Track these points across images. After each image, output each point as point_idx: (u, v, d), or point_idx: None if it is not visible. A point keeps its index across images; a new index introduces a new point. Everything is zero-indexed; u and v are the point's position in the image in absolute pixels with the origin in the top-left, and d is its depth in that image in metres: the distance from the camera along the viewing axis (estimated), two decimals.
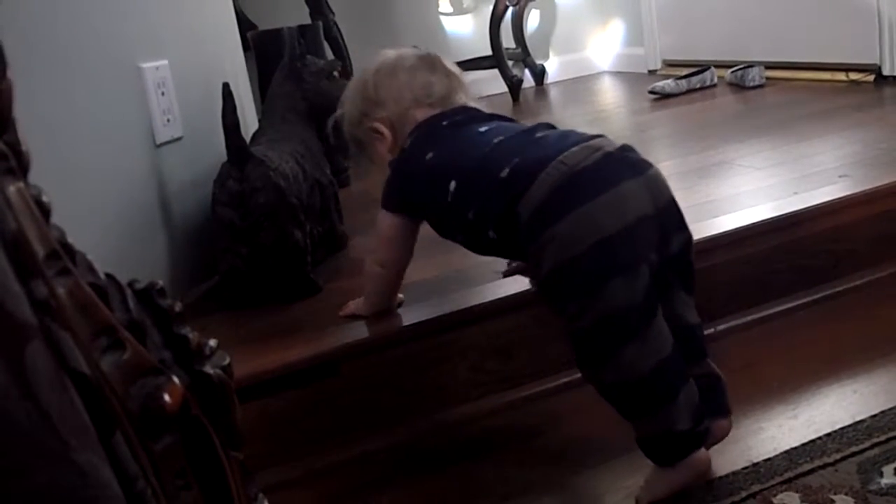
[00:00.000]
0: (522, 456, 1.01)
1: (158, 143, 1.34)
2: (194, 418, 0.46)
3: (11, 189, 0.38)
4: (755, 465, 0.89)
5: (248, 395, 1.01)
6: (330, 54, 2.74)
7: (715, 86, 2.71)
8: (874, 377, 1.04)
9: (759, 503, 0.83)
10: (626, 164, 0.88)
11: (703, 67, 2.74)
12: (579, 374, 0.93)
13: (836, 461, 0.87)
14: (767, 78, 2.59)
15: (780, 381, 1.06)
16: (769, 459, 0.90)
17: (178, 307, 0.48)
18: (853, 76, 2.37)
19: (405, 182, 1.04)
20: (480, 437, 1.08)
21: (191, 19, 1.57)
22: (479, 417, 1.11)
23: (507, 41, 3.40)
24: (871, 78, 2.31)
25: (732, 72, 2.65)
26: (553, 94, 3.35)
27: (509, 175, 0.90)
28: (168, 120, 1.37)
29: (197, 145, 1.46)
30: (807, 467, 0.87)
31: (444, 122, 1.05)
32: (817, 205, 1.29)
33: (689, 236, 0.90)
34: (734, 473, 0.88)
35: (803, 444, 0.91)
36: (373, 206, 1.85)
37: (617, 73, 3.58)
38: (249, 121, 1.77)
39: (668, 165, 1.64)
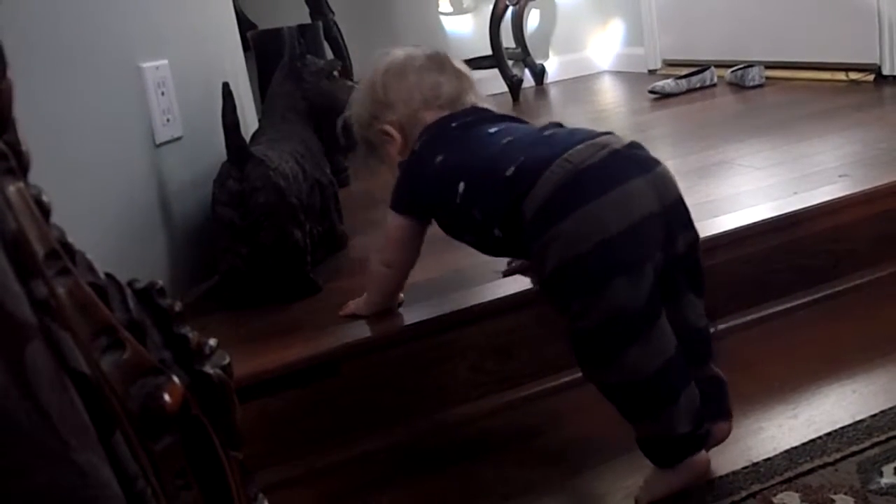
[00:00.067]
0: (522, 456, 1.01)
1: (158, 142, 1.34)
2: (194, 418, 0.46)
3: (11, 189, 0.38)
4: (755, 464, 0.89)
5: (248, 394, 1.01)
6: (330, 54, 2.74)
7: (715, 85, 2.71)
8: (874, 377, 1.04)
9: (759, 503, 0.83)
10: (632, 162, 0.87)
11: (703, 67, 2.74)
12: (579, 374, 0.93)
13: (836, 461, 0.87)
14: (767, 78, 2.59)
15: (780, 380, 1.06)
16: (769, 459, 0.90)
17: (178, 307, 0.48)
18: (853, 76, 2.37)
19: (415, 184, 1.04)
20: (480, 437, 1.08)
21: (191, 19, 1.57)
22: (479, 417, 1.11)
23: (507, 41, 3.40)
24: (871, 78, 2.31)
25: (732, 71, 2.65)
26: (553, 93, 3.35)
27: (514, 173, 0.90)
28: (168, 120, 1.37)
29: (197, 145, 1.46)
30: (807, 467, 0.87)
31: (454, 124, 1.04)
32: (817, 204, 1.29)
33: (696, 235, 0.89)
34: (734, 473, 0.88)
35: (803, 444, 0.91)
36: (373, 205, 1.87)
37: (617, 73, 3.58)
38: (249, 120, 1.77)
39: (668, 165, 1.62)
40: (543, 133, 0.97)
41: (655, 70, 3.32)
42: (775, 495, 0.84)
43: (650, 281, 0.83)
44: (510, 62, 3.37)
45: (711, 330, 0.94)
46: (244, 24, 2.41)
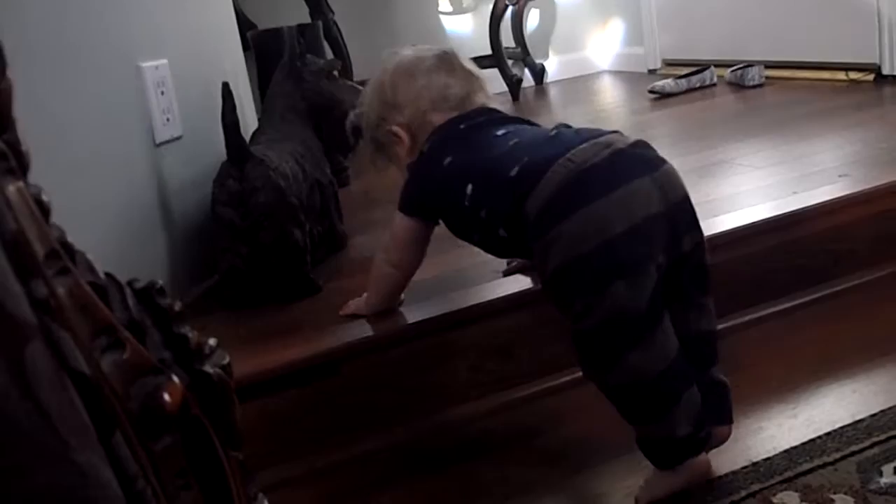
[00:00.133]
0: (522, 456, 1.01)
1: (158, 142, 1.34)
2: (194, 418, 0.46)
3: (11, 189, 0.38)
4: (755, 464, 0.89)
5: (248, 394, 1.00)
6: (330, 54, 2.74)
7: (715, 85, 2.71)
8: (874, 377, 1.04)
9: (759, 502, 0.83)
10: (637, 161, 0.86)
11: (702, 67, 2.74)
12: (579, 374, 0.93)
13: (836, 460, 0.87)
14: (767, 77, 2.59)
15: (780, 380, 1.06)
16: (769, 459, 0.90)
17: (177, 307, 0.48)
18: (853, 76, 2.37)
19: (423, 186, 1.04)
20: (480, 436, 1.08)
21: (191, 19, 1.57)
22: (479, 417, 1.11)
23: (507, 40, 3.40)
24: (871, 77, 2.31)
25: (732, 71, 2.65)
26: (553, 93, 3.35)
27: (518, 173, 0.90)
28: (168, 119, 1.37)
29: (197, 145, 1.46)
30: (806, 467, 0.87)
31: (462, 126, 1.04)
32: (817, 204, 1.29)
33: (701, 236, 0.89)
34: (734, 473, 0.88)
35: (803, 444, 0.91)
36: (373, 205, 1.87)
37: (617, 73, 3.57)
38: (249, 120, 1.77)
39: None
40: (549, 134, 0.97)
41: (655, 70, 3.32)
42: (775, 495, 0.84)
43: (652, 282, 0.83)
44: (510, 62, 3.37)
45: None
46: (244, 23, 2.41)
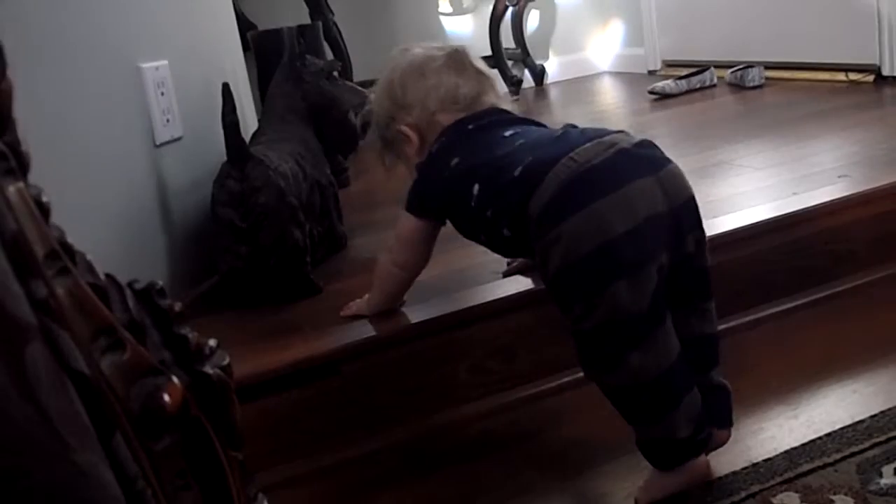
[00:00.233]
0: (523, 456, 1.01)
1: (158, 143, 1.34)
2: (194, 418, 0.46)
3: (11, 189, 0.38)
4: (755, 465, 0.89)
5: (248, 394, 1.01)
6: (330, 55, 2.74)
7: (715, 86, 2.71)
8: (874, 377, 1.04)
9: (759, 503, 0.83)
10: (641, 161, 0.86)
11: (702, 68, 2.74)
12: (580, 375, 0.93)
13: (836, 461, 0.87)
14: (767, 78, 2.59)
15: (780, 381, 1.06)
16: (769, 459, 0.90)
17: (177, 307, 0.48)
18: (853, 76, 2.37)
19: (430, 187, 1.04)
20: (481, 437, 1.08)
21: (191, 20, 1.57)
22: (480, 417, 1.11)
23: (507, 41, 3.40)
24: (871, 78, 2.31)
25: (732, 72, 2.65)
26: (553, 94, 3.35)
27: (521, 173, 0.90)
28: (168, 120, 1.37)
29: (197, 145, 1.46)
30: (806, 467, 0.87)
31: (470, 126, 1.04)
32: (817, 205, 1.29)
33: (703, 236, 0.88)
34: (734, 473, 0.88)
35: (803, 444, 0.91)
36: (373, 206, 1.87)
37: (617, 74, 3.58)
38: (249, 121, 1.77)
39: None
40: (555, 134, 0.97)
41: (655, 71, 3.32)
42: (775, 496, 0.84)
43: (654, 283, 0.82)
44: (510, 63, 3.37)
45: None
46: (244, 24, 2.41)
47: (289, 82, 1.58)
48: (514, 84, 3.19)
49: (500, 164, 0.94)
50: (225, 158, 1.28)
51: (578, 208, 0.83)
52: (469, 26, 3.53)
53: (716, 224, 1.26)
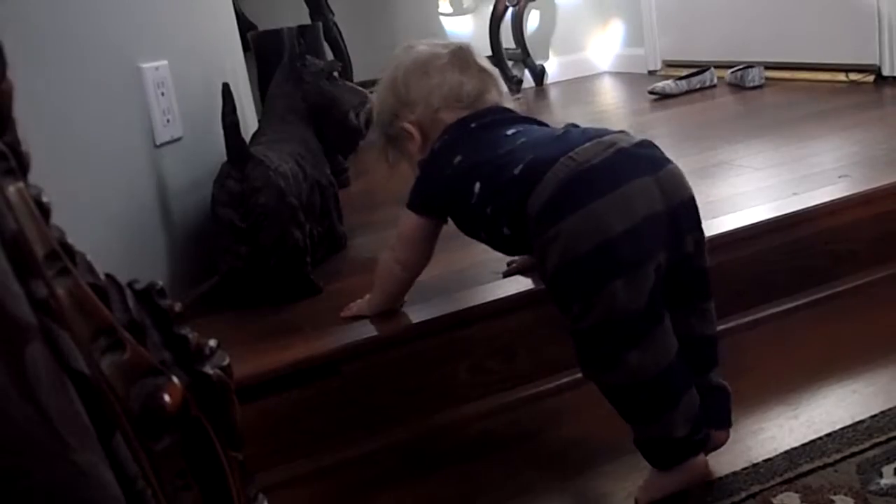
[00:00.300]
0: (523, 456, 1.01)
1: (158, 143, 1.34)
2: (194, 419, 0.46)
3: (11, 189, 0.38)
4: (755, 465, 0.89)
5: (248, 395, 1.01)
6: (330, 55, 2.74)
7: (715, 86, 2.71)
8: (874, 377, 1.04)
9: (759, 503, 0.83)
10: (640, 161, 0.86)
11: (702, 68, 2.74)
12: (580, 375, 0.92)
13: (836, 461, 0.87)
14: (767, 78, 2.59)
15: (780, 381, 1.06)
16: (769, 460, 0.90)
17: (177, 307, 0.48)
18: (853, 76, 2.37)
19: (432, 185, 1.04)
20: (481, 437, 1.08)
21: (191, 20, 1.57)
22: (480, 418, 1.11)
23: (507, 41, 3.40)
24: (871, 78, 2.31)
25: (732, 72, 2.65)
26: (553, 94, 3.35)
27: (521, 171, 0.90)
28: (168, 120, 1.37)
29: (197, 145, 1.46)
30: (807, 467, 0.87)
31: (473, 125, 1.04)
32: (817, 205, 1.29)
33: (702, 236, 0.89)
34: (734, 474, 0.88)
35: (803, 445, 0.91)
36: (373, 206, 1.87)
37: (617, 74, 3.58)
38: (249, 121, 1.77)
39: None
40: (557, 133, 0.97)
41: (655, 71, 3.32)
42: (775, 496, 0.84)
43: (651, 282, 0.82)
44: (510, 63, 3.37)
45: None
46: (244, 24, 2.41)
47: (289, 83, 1.58)
48: (515, 84, 3.19)
49: (501, 163, 0.94)
50: (225, 158, 1.28)
51: (577, 207, 0.83)
52: (469, 26, 3.53)
53: (716, 224, 1.26)
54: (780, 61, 2.63)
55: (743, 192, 1.47)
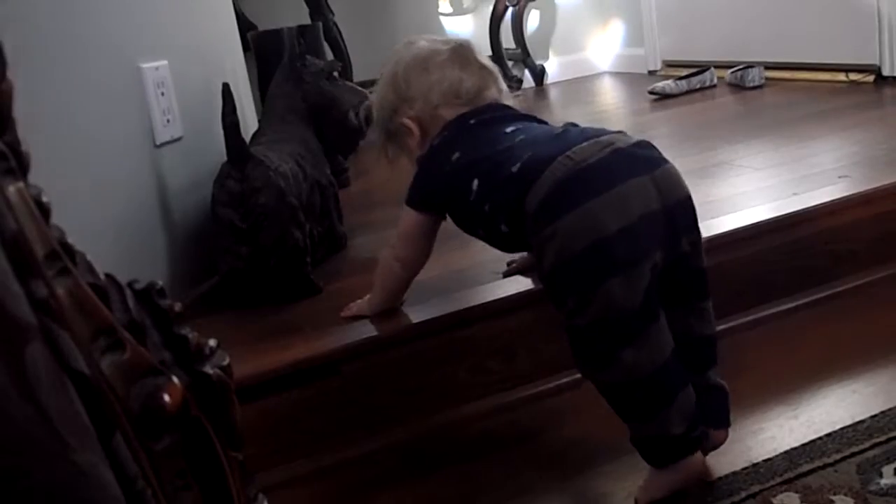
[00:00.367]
0: (523, 456, 1.01)
1: (158, 143, 1.34)
2: (194, 418, 0.46)
3: (11, 189, 0.38)
4: (755, 465, 0.89)
5: (248, 395, 1.01)
6: (330, 55, 2.74)
7: (715, 86, 2.71)
8: (874, 377, 1.04)
9: (759, 503, 0.83)
10: (637, 161, 0.87)
11: (702, 68, 2.74)
12: (579, 375, 0.93)
13: (836, 461, 0.87)
14: (767, 78, 2.59)
15: (780, 381, 1.06)
16: (769, 460, 0.90)
17: (177, 307, 0.48)
18: (853, 77, 2.37)
19: (431, 181, 1.04)
20: (481, 437, 1.08)
21: (191, 19, 1.57)
22: (480, 418, 1.11)
23: (507, 41, 3.40)
24: (871, 78, 2.31)
25: (732, 72, 2.65)
26: (553, 94, 3.35)
27: (519, 169, 0.91)
28: (168, 120, 1.37)
29: (197, 145, 1.46)
30: (806, 468, 0.87)
31: (472, 121, 1.05)
32: (817, 205, 1.29)
33: (699, 237, 0.89)
34: (734, 474, 0.88)
35: (803, 445, 0.91)
36: (373, 206, 1.87)
37: (617, 74, 3.58)
38: (249, 121, 1.77)
39: None
40: (555, 132, 0.97)
41: (655, 71, 3.32)
42: (775, 496, 0.84)
43: (647, 281, 0.83)
44: (510, 63, 3.37)
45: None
46: (244, 24, 2.41)
47: (289, 83, 1.58)
48: (515, 84, 3.19)
49: (500, 160, 0.94)
50: (225, 158, 1.28)
51: (573, 206, 0.83)
52: (469, 26, 3.53)
53: (716, 224, 1.26)
54: (780, 61, 2.63)
55: (743, 192, 1.47)
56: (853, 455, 0.88)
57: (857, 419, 0.94)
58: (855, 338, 1.15)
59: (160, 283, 0.48)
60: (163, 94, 1.36)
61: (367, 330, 1.12)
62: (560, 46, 3.69)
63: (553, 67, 3.62)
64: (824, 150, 1.65)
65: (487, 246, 1.05)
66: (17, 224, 0.38)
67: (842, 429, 0.93)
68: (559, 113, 2.94)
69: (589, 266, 0.83)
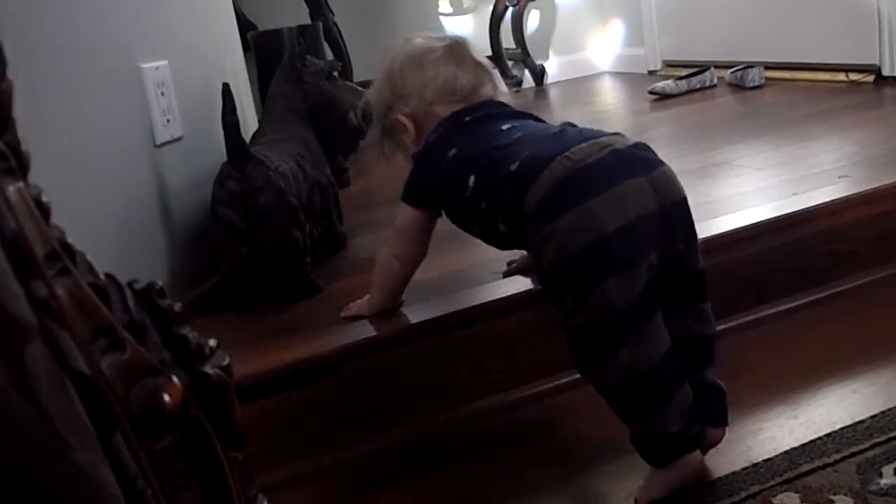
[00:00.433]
0: (523, 456, 1.01)
1: (158, 143, 1.34)
2: (194, 418, 0.46)
3: (11, 189, 0.38)
4: (755, 465, 0.89)
5: (248, 395, 1.01)
6: (330, 55, 2.74)
7: (715, 86, 2.71)
8: (874, 377, 1.04)
9: (759, 503, 0.83)
10: (634, 162, 0.87)
11: (702, 68, 2.74)
12: (579, 374, 0.93)
13: (836, 461, 0.87)
14: (767, 78, 2.59)
15: (780, 381, 1.06)
16: (769, 460, 0.90)
17: (177, 307, 0.48)
18: (853, 76, 2.37)
19: (427, 177, 1.04)
20: (481, 437, 1.08)
21: (191, 19, 1.57)
22: (480, 417, 1.11)
23: (507, 41, 3.40)
24: (871, 78, 2.31)
25: (732, 72, 2.65)
26: (553, 94, 3.35)
27: (517, 168, 0.91)
28: (168, 120, 1.37)
29: (197, 145, 1.46)
30: (806, 467, 0.87)
31: (467, 118, 1.05)
32: (817, 205, 1.29)
33: (695, 239, 0.90)
34: (734, 473, 0.88)
35: (803, 445, 0.91)
36: (373, 206, 1.87)
37: (617, 74, 3.58)
38: (249, 121, 1.77)
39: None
40: (553, 131, 0.97)
41: (655, 71, 3.32)
42: (775, 496, 0.84)
43: (643, 281, 0.83)
44: (510, 63, 3.37)
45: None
46: (244, 24, 2.41)
47: (289, 83, 1.58)
48: (515, 84, 3.19)
49: (497, 158, 0.94)
50: (225, 158, 1.28)
51: (572, 206, 0.84)
52: (469, 26, 3.53)
53: (716, 224, 1.26)
54: (780, 61, 2.63)
55: (743, 192, 1.47)
56: (853, 455, 0.88)
57: (857, 419, 0.94)
58: (855, 338, 1.15)
59: (160, 282, 0.48)
60: (163, 93, 1.36)
61: (367, 330, 1.12)
62: (560, 46, 3.69)
63: (553, 67, 3.62)
64: (824, 150, 1.65)
65: (487, 246, 1.05)
66: (17, 224, 0.38)
67: (842, 429, 0.93)
68: (559, 113, 2.94)
69: (587, 266, 0.83)
